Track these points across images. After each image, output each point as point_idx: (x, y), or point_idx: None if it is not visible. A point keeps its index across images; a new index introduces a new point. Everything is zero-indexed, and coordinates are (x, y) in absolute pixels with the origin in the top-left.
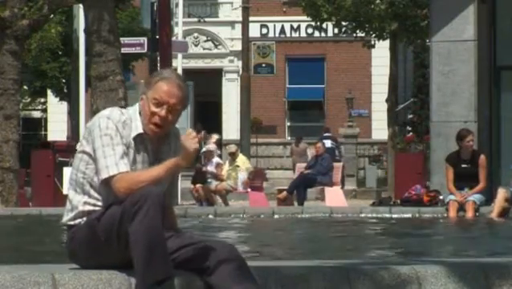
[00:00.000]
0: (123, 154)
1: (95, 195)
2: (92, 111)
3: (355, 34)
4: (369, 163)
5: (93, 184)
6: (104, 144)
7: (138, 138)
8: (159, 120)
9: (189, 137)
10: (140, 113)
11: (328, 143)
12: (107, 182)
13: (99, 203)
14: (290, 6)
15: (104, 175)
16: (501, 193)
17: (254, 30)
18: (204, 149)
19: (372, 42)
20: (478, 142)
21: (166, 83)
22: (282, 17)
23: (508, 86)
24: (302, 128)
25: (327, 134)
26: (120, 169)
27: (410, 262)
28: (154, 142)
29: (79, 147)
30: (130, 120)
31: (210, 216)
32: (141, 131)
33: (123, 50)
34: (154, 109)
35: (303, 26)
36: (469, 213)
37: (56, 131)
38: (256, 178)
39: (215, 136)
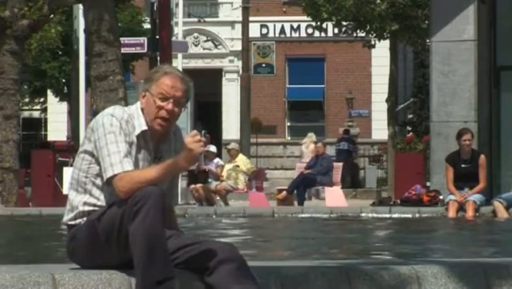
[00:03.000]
0: (128, 152)
1: (97, 194)
2: (92, 111)
3: (355, 34)
4: (369, 163)
5: (95, 183)
6: (108, 142)
7: (141, 135)
8: (166, 114)
9: (194, 139)
10: (142, 110)
11: (345, 145)
12: (110, 181)
13: (100, 203)
14: (290, 6)
15: (109, 173)
16: (499, 205)
17: (254, 30)
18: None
19: (372, 42)
20: (478, 142)
21: (170, 78)
22: (282, 17)
23: (508, 86)
24: (302, 128)
25: (345, 136)
26: (124, 168)
27: (410, 262)
28: (154, 140)
29: (80, 147)
30: (132, 117)
31: (211, 216)
32: (145, 128)
33: (123, 50)
34: (160, 103)
35: (303, 26)
36: (469, 213)
37: (56, 131)
38: (256, 178)
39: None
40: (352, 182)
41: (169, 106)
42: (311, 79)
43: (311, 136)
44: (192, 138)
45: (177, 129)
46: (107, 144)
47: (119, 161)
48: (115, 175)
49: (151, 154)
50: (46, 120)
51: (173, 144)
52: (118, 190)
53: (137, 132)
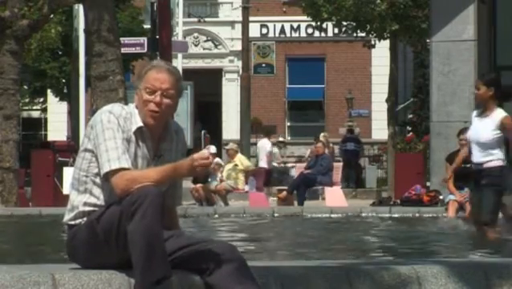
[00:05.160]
0: (125, 149)
1: (97, 194)
2: (92, 111)
3: (355, 34)
4: (369, 163)
5: (96, 182)
6: (107, 138)
7: (138, 132)
8: (154, 107)
9: (203, 156)
10: (137, 107)
11: (352, 146)
12: (107, 177)
13: (100, 202)
14: (290, 6)
15: (106, 168)
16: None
17: (254, 30)
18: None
19: (372, 42)
20: None
21: (156, 71)
22: (282, 17)
23: None
24: (302, 128)
25: (351, 136)
26: (122, 164)
27: (410, 262)
28: (154, 138)
29: (81, 146)
30: (130, 114)
31: (211, 216)
32: (141, 124)
33: (123, 50)
34: (148, 97)
35: (303, 26)
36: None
37: (56, 131)
38: (256, 178)
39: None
40: (356, 182)
41: (157, 98)
42: (311, 79)
43: (326, 136)
44: (201, 155)
45: (179, 130)
46: (106, 140)
47: (116, 157)
48: (112, 170)
49: (150, 152)
50: (46, 120)
51: (175, 144)
52: (115, 186)
53: (134, 128)
